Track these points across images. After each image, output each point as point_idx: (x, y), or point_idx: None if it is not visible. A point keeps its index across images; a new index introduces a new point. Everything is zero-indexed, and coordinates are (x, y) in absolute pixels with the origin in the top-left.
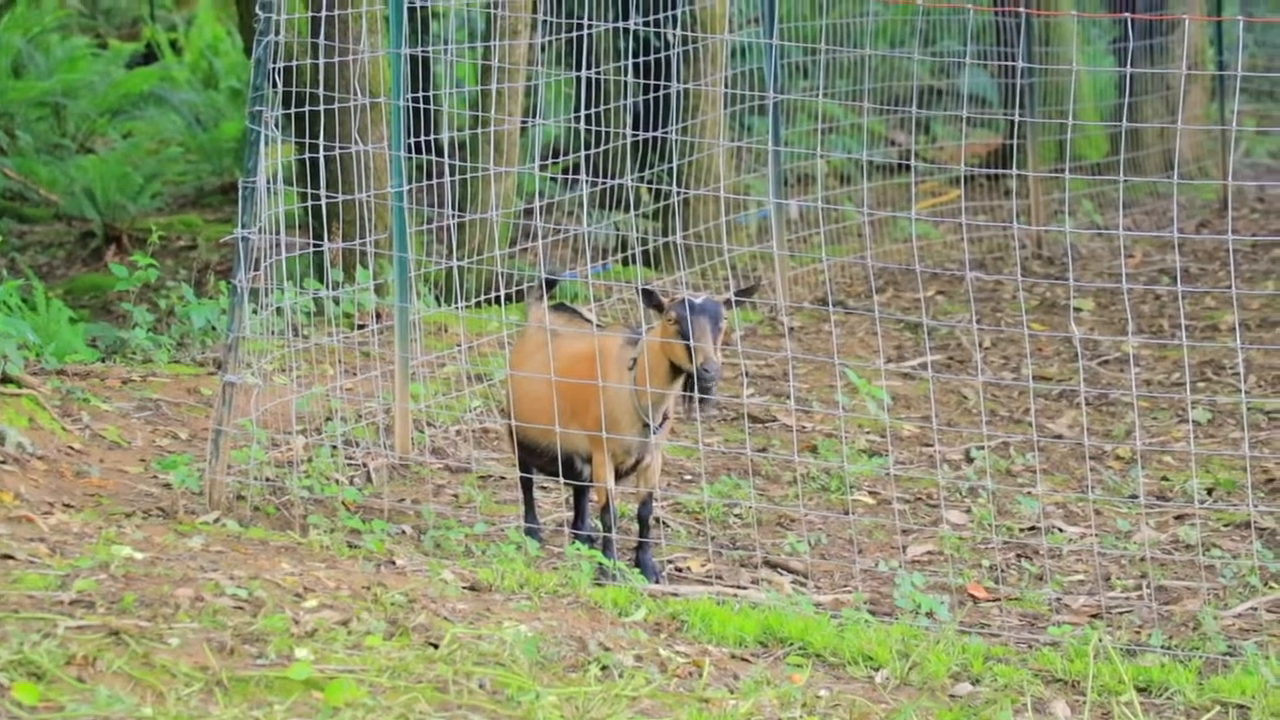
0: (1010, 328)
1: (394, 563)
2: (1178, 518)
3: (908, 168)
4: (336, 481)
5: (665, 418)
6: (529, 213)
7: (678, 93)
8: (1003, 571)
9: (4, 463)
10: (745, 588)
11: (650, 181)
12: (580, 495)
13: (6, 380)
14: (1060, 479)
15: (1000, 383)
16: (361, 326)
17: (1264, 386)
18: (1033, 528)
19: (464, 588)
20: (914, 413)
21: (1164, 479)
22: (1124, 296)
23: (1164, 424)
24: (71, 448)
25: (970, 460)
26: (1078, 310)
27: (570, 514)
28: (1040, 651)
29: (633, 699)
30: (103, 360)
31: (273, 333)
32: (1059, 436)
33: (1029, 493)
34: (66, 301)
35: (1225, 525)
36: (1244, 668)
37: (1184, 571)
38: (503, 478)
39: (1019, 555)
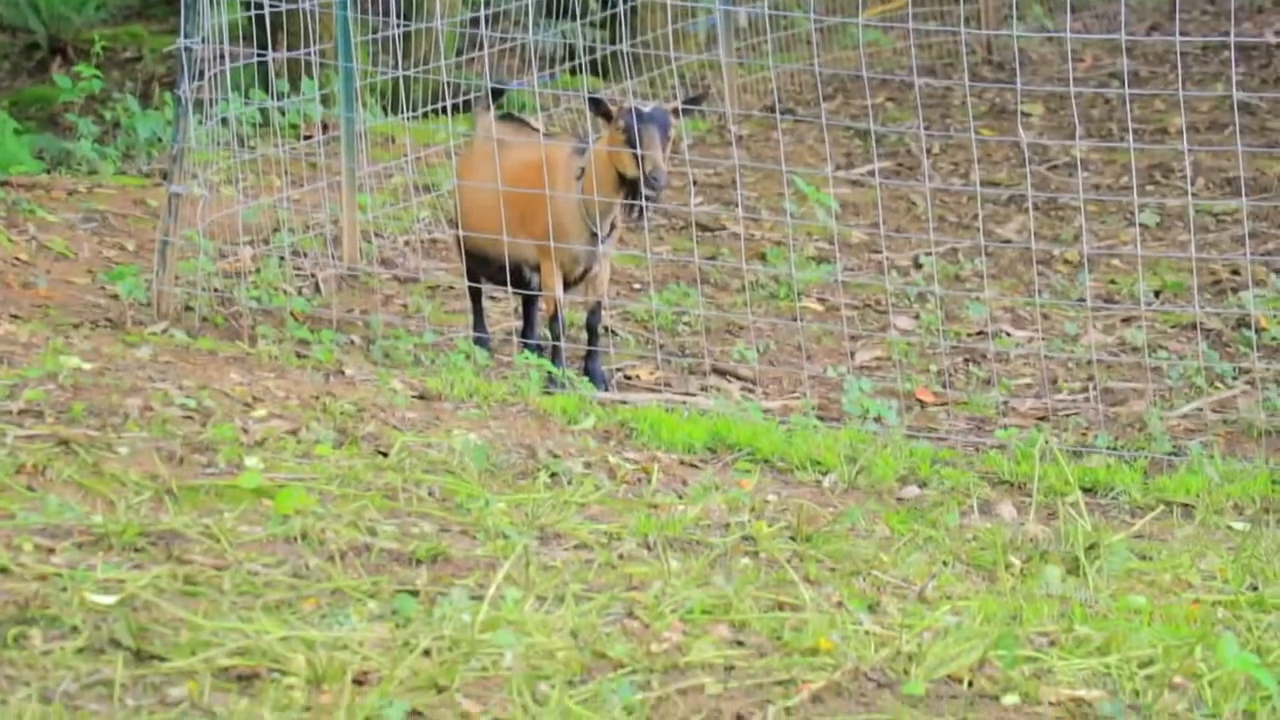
0: (959, 133)
1: (343, 372)
2: (1125, 320)
3: None
4: (285, 292)
5: (613, 227)
6: (475, 22)
7: None
8: (950, 376)
9: None
10: (694, 395)
11: None
12: (529, 304)
13: None
14: (1008, 283)
15: (949, 189)
16: (308, 138)
17: (1212, 189)
18: (980, 332)
19: (413, 397)
20: (863, 219)
21: (1111, 282)
22: (1072, 101)
23: (1112, 227)
24: (18, 259)
25: (919, 266)
26: (1026, 115)
27: (519, 323)
28: (987, 454)
29: (582, 505)
30: (48, 172)
31: (219, 144)
32: (1007, 241)
33: (976, 298)
34: (12, 114)
35: (1172, 327)
36: (1189, 467)
37: (1130, 373)
38: (451, 288)
39: (966, 360)
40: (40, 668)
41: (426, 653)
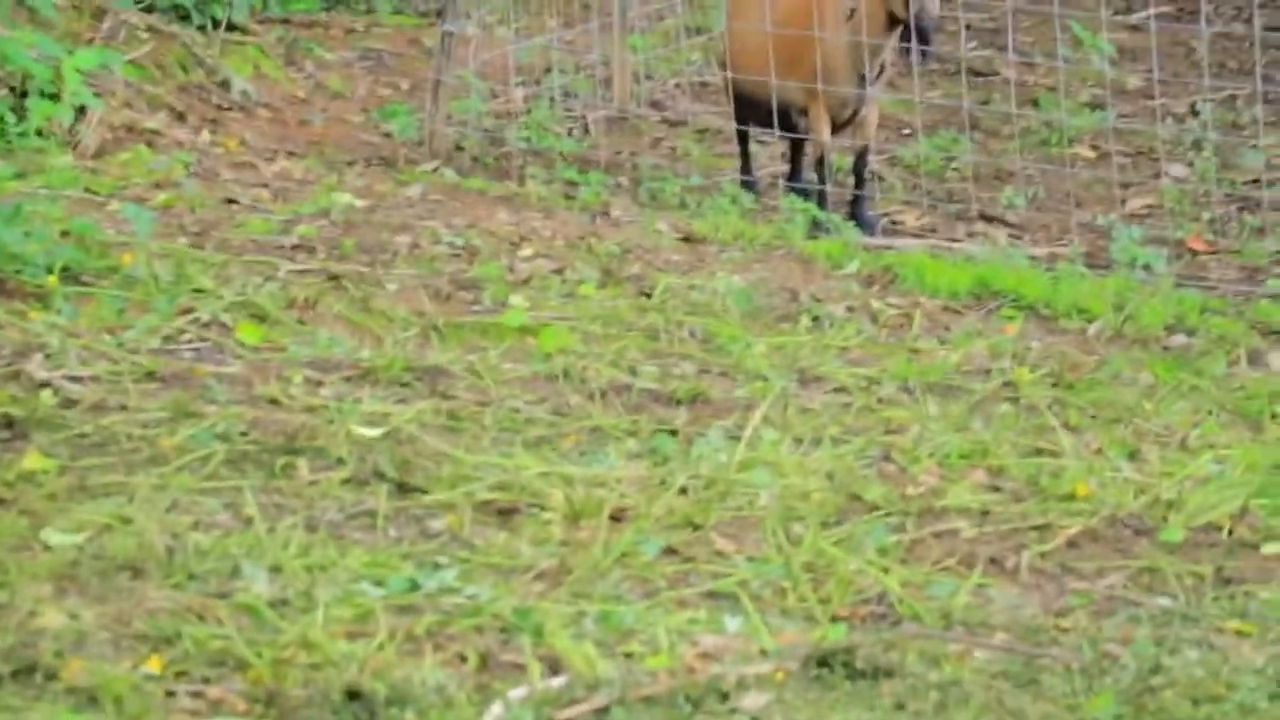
0: None
1: (609, 213)
2: None
3: None
4: (554, 133)
5: (883, 69)
6: None
7: None
8: (1223, 225)
9: (229, 109)
10: (960, 241)
11: None
12: (796, 148)
13: (231, 28)
14: None
15: (1230, 33)
16: None
17: None
18: (1256, 180)
19: (678, 239)
20: (1139, 65)
21: None
22: None
23: None
24: (295, 96)
25: (1195, 113)
26: None
27: (786, 167)
28: (1257, 303)
29: (842, 349)
30: (327, 10)
31: None
32: None
33: (1254, 145)
34: None
35: None
36: None
37: None
38: (720, 131)
39: (1240, 208)
40: (306, 497)
41: (683, 491)
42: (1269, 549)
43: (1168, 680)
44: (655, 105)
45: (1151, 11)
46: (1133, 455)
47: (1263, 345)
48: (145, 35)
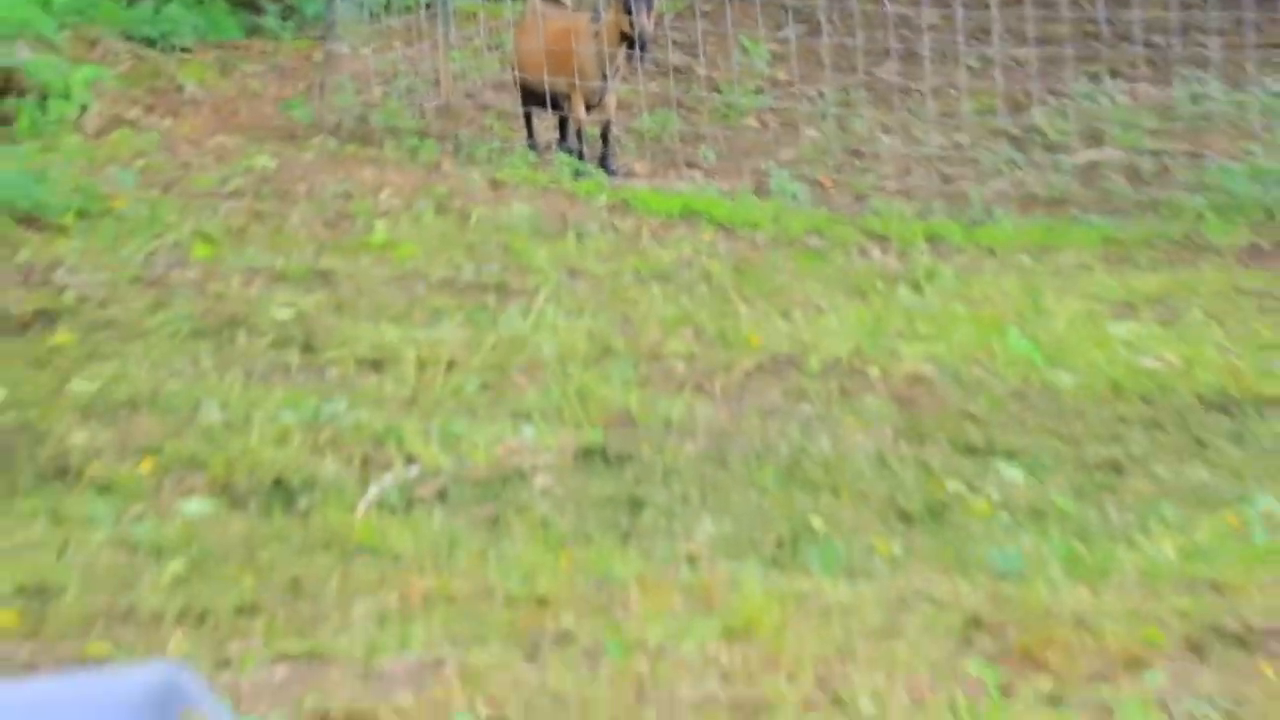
0: (849, 7)
1: (440, 168)
2: (956, 129)
3: None
4: (402, 116)
5: (618, 70)
6: None
7: None
8: (841, 168)
9: (184, 104)
10: (672, 181)
11: None
12: (563, 123)
13: (184, 50)
14: (882, 108)
15: (844, 44)
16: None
17: (1014, 42)
18: (861, 140)
19: (486, 184)
20: (786, 65)
21: (948, 105)
22: None
23: (949, 68)
24: (228, 95)
25: (822, 96)
26: None
27: (556, 135)
28: (864, 217)
29: (596, 253)
30: (247, 38)
31: (359, 19)
32: (881, 79)
33: (860, 116)
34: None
35: (987, 132)
36: (995, 222)
37: (959, 164)
38: (513, 113)
39: (853, 156)
40: (243, 357)
41: (493, 347)
42: (872, 372)
43: (810, 459)
44: (469, 97)
45: (791, 30)
46: (786, 316)
47: (867, 244)
48: (125, 56)
